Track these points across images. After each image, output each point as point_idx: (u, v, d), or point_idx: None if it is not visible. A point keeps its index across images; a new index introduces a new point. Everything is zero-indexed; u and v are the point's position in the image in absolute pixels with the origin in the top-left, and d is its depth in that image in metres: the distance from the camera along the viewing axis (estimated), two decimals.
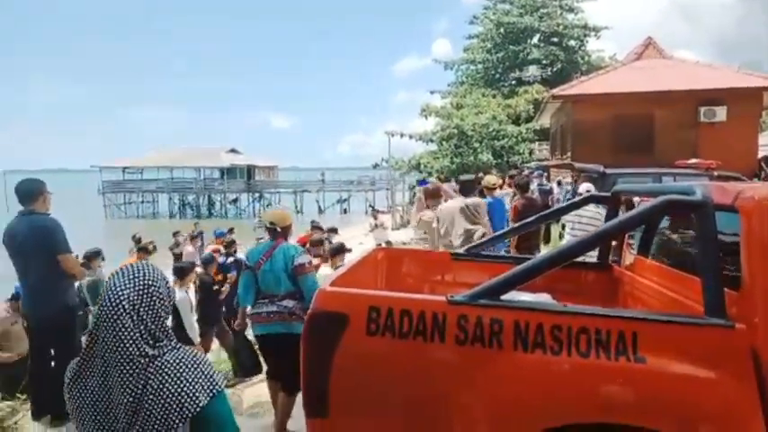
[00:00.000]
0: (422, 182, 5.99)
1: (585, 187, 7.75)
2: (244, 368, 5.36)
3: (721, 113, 14.76)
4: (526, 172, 14.00)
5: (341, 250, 5.88)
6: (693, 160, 11.00)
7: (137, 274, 1.45)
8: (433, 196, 6.37)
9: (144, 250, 8.95)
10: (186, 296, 6.01)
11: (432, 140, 28.57)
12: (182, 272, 6.14)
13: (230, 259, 8.82)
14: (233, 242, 9.49)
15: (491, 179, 7.99)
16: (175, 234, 14.00)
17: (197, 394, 1.39)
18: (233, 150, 49.36)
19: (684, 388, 2.02)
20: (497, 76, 31.24)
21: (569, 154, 16.10)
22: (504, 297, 2.27)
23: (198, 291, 6.88)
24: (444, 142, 27.58)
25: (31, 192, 3.93)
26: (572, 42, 30.26)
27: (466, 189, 6.19)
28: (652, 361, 2.03)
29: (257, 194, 46.00)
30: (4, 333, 5.50)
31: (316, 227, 10.66)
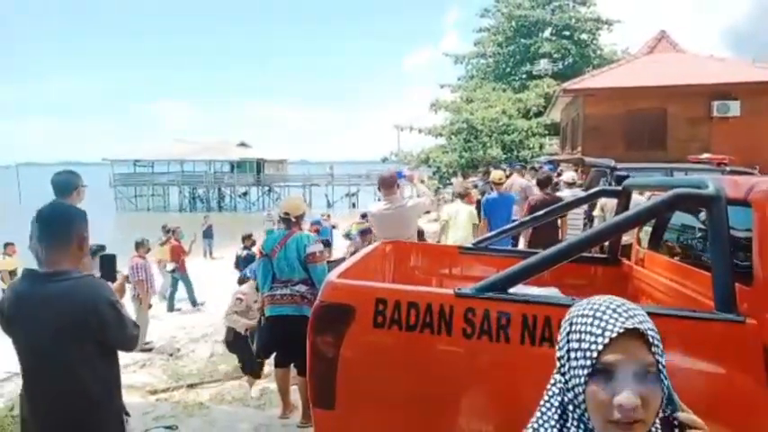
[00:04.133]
0: (399, 173, 5.55)
1: (568, 177, 7.79)
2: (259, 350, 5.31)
3: (735, 108, 14.57)
4: (539, 167, 13.90)
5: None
6: (705, 155, 10.88)
7: None
8: (386, 186, 4.85)
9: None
10: None
11: (441, 135, 28.47)
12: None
13: (245, 252, 9.05)
14: (250, 236, 9.68)
15: (497, 174, 7.95)
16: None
17: None
18: (243, 144, 49.56)
19: (692, 383, 2.00)
20: (508, 69, 30.98)
21: (580, 149, 15.99)
22: (512, 290, 2.25)
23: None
24: (453, 136, 27.46)
25: (66, 185, 4.10)
26: (584, 36, 29.91)
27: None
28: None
29: (267, 188, 46.16)
30: (248, 306, 5.73)
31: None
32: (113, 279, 2.24)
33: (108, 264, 2.28)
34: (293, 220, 4.24)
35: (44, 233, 2.10)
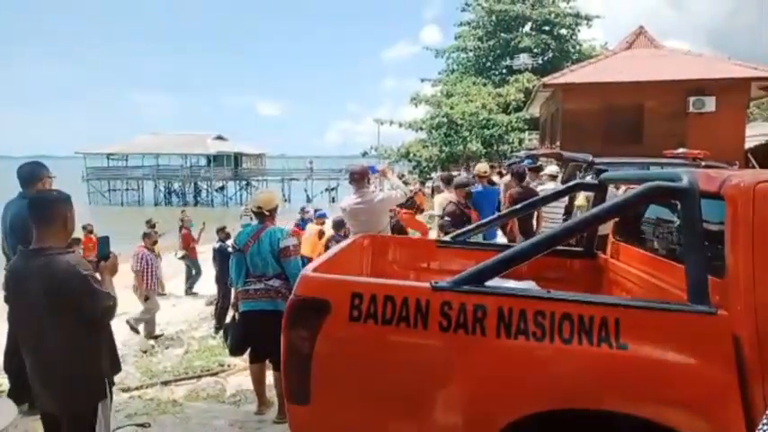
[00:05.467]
0: (372, 168, 5.54)
1: (552, 170, 8.09)
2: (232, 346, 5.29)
3: (710, 103, 14.81)
4: (512, 160, 14.02)
5: None
6: (681, 150, 11.04)
7: None
8: (357, 180, 4.95)
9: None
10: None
11: (421, 129, 28.49)
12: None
13: (218, 244, 8.96)
14: (223, 228, 9.59)
15: (482, 167, 8.11)
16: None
17: None
18: (219, 137, 48.86)
19: (665, 374, 2.02)
20: (488, 64, 31.13)
21: (558, 143, 16.12)
22: (488, 284, 2.24)
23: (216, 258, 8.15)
24: (434, 131, 27.51)
25: (31, 176, 4.07)
26: (563, 31, 30.19)
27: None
28: (634, 347, 2.02)
29: (244, 182, 45.71)
30: None
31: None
32: (107, 258, 2.61)
33: (102, 244, 2.66)
34: (266, 213, 4.18)
35: (32, 215, 2.45)
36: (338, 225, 7.50)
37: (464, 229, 4.32)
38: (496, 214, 6.56)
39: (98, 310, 2.43)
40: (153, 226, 12.34)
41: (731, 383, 1.98)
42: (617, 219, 3.51)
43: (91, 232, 11.99)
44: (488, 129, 26.25)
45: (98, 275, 2.54)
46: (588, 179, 6.91)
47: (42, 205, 2.48)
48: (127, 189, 44.99)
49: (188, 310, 9.41)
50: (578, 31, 30.53)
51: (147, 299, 7.98)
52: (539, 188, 7.37)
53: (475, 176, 8.34)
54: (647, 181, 2.43)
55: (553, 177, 8.01)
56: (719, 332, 2.03)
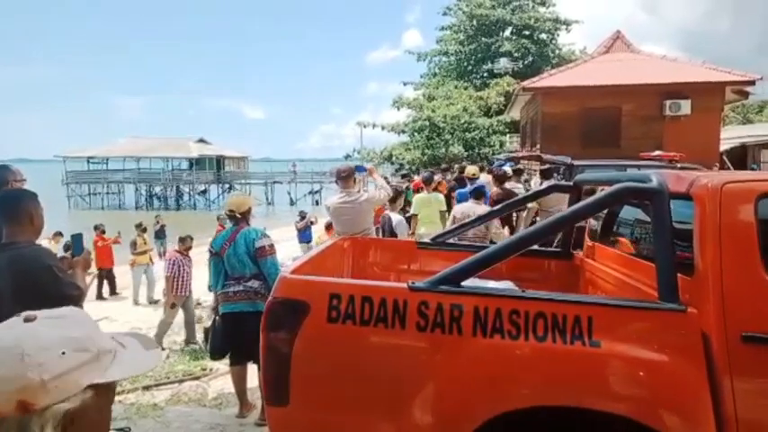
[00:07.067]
0: (360, 167, 5.59)
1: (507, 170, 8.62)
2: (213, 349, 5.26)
3: (686, 107, 15.07)
4: (496, 164, 14.19)
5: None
6: (657, 152, 11.23)
7: None
8: (343, 178, 4.98)
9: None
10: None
11: (404, 132, 28.56)
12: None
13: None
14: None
15: (471, 169, 8.47)
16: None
17: None
18: (202, 140, 48.51)
19: (636, 370, 2.07)
20: (469, 67, 31.32)
21: (538, 146, 16.29)
22: (467, 284, 2.28)
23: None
24: (416, 134, 27.58)
25: None
26: (543, 35, 30.52)
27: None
28: (606, 345, 2.06)
29: (227, 186, 45.39)
30: None
31: None
32: (80, 253, 2.72)
33: (76, 240, 2.79)
34: (238, 216, 4.20)
35: (0, 213, 2.52)
36: (329, 227, 7.57)
37: (445, 230, 4.36)
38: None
39: (63, 300, 2.41)
40: (144, 230, 12.19)
41: (701, 379, 2.04)
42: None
43: (104, 232, 12.54)
44: (470, 132, 26.39)
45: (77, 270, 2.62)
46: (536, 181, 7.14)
47: (8, 203, 2.55)
48: (107, 193, 44.43)
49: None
50: (557, 35, 30.91)
51: (173, 306, 7.75)
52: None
53: (463, 177, 8.73)
54: (618, 182, 2.49)
55: (509, 178, 8.61)
56: (689, 329, 2.09)
